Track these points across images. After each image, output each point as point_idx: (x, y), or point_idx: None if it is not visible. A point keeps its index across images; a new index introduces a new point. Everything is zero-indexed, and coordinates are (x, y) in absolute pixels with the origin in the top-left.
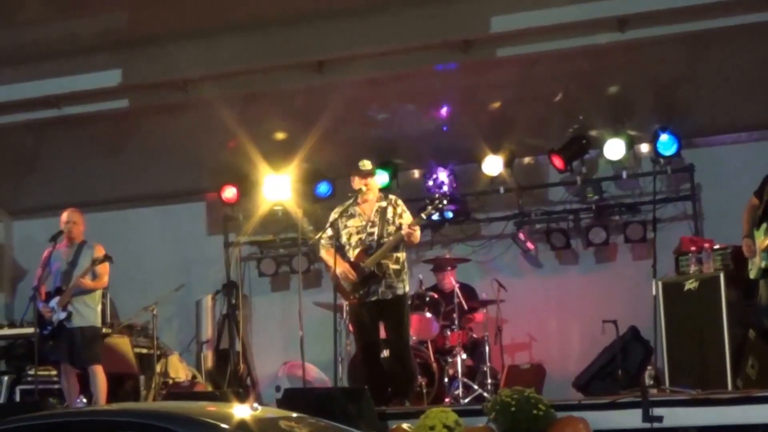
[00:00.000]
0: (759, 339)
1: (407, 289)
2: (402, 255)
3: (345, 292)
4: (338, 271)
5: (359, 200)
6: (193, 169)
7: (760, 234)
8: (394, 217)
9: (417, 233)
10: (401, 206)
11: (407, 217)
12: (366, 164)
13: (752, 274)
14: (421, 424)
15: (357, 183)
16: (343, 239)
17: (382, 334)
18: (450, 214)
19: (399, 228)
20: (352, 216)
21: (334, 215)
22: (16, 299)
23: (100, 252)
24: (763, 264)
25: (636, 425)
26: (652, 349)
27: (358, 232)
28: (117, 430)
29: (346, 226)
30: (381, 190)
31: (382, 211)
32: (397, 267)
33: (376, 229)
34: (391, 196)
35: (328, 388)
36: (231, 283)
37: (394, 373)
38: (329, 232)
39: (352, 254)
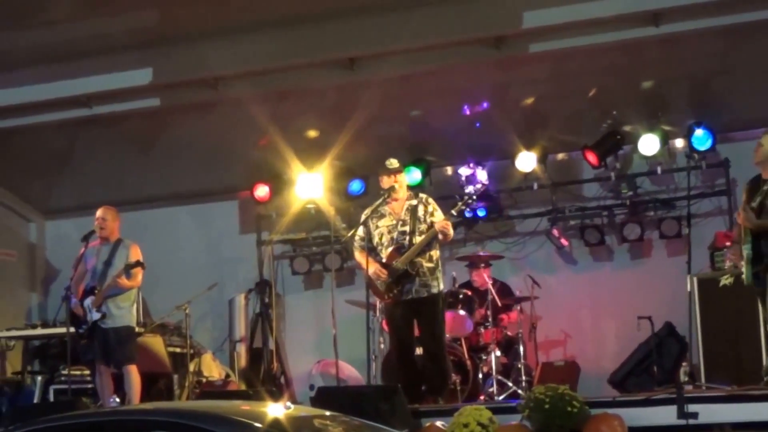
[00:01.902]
0: None
1: (442, 287)
2: (436, 253)
3: (379, 291)
4: (370, 271)
5: (389, 199)
6: (226, 168)
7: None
8: (425, 215)
9: (450, 233)
10: (432, 204)
11: (439, 215)
12: (393, 162)
13: (745, 281)
14: (455, 422)
15: (386, 182)
16: (375, 239)
17: (417, 332)
18: (483, 212)
19: (431, 226)
20: (382, 215)
21: (364, 216)
22: (49, 299)
23: (135, 251)
24: (744, 254)
25: (671, 422)
26: (688, 346)
27: (389, 231)
28: (150, 430)
29: (377, 226)
30: (412, 188)
31: (413, 209)
32: (431, 265)
33: (407, 228)
34: (422, 195)
35: (361, 386)
36: (264, 281)
37: (428, 372)
38: (360, 232)
39: (384, 253)
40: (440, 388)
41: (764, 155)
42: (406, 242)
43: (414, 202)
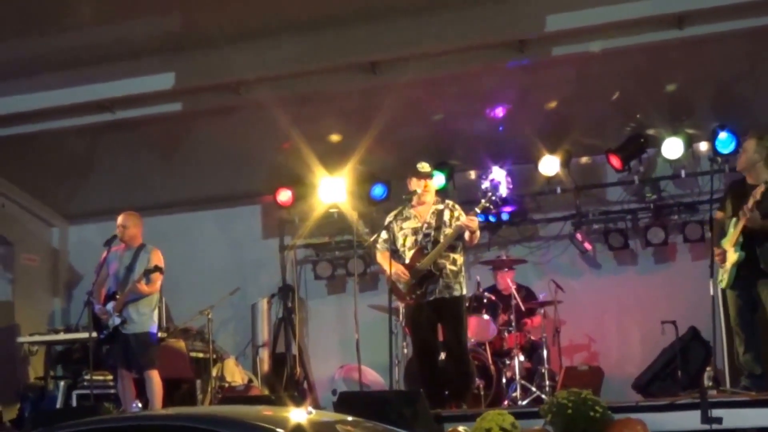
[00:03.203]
0: None
1: (464, 291)
2: (460, 258)
3: (401, 293)
4: (393, 272)
5: (414, 203)
6: (248, 172)
7: (727, 241)
8: (450, 219)
9: (476, 229)
10: (458, 210)
11: (464, 220)
12: (425, 166)
13: (723, 284)
14: (477, 427)
15: (414, 184)
16: (399, 241)
17: (440, 336)
18: (507, 216)
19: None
20: (407, 218)
21: (388, 218)
22: (72, 304)
23: (156, 256)
24: (734, 257)
25: (695, 427)
26: (712, 350)
27: (413, 234)
28: None
29: (401, 228)
30: (437, 192)
31: (439, 214)
32: (454, 268)
33: (432, 231)
34: (449, 201)
35: (383, 391)
36: (287, 286)
37: (452, 376)
38: (384, 235)
39: (408, 256)
40: (464, 392)
41: (749, 161)
42: (430, 245)
43: (440, 206)
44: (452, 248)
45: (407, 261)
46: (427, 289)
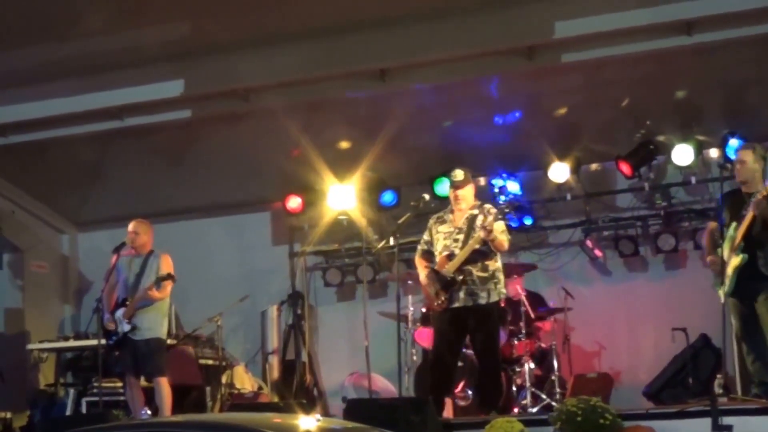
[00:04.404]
0: None
1: (494, 298)
2: (493, 264)
3: (430, 297)
4: (421, 276)
5: (453, 207)
6: (257, 179)
7: (727, 246)
8: (484, 224)
9: (500, 236)
10: (493, 212)
11: (490, 220)
12: (458, 174)
13: (724, 291)
14: None
15: (451, 193)
16: (435, 245)
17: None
18: (516, 222)
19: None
20: (443, 222)
21: (431, 221)
22: (82, 311)
23: (166, 262)
24: (737, 261)
25: None
26: (723, 357)
27: (445, 238)
28: None
29: (438, 232)
30: (441, 198)
31: (472, 219)
32: (484, 275)
33: (462, 236)
34: (486, 205)
35: (392, 399)
36: (296, 293)
37: (483, 386)
38: (425, 237)
39: (438, 260)
40: (494, 401)
41: (749, 171)
42: (458, 250)
43: (475, 212)
44: (483, 255)
45: (436, 266)
46: (452, 296)
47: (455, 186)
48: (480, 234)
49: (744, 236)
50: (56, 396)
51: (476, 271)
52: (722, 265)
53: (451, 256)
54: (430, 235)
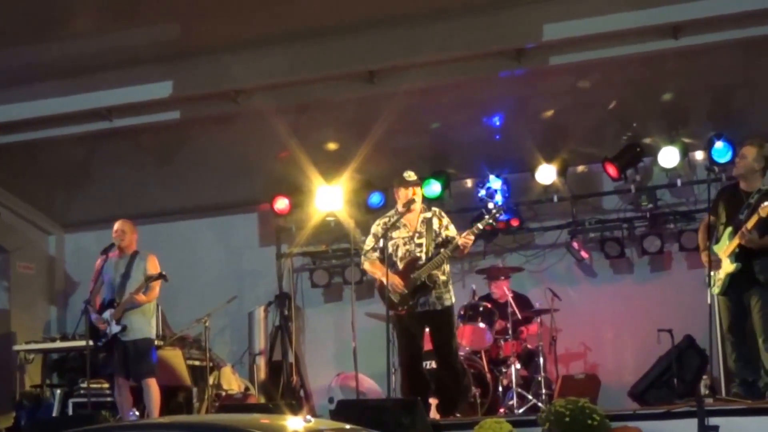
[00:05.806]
0: None
1: (454, 300)
2: (447, 267)
3: (392, 303)
4: (386, 282)
5: (402, 211)
6: (245, 181)
7: (721, 246)
8: (440, 228)
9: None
10: (446, 218)
11: (453, 229)
12: (411, 175)
13: (716, 290)
14: None
15: (403, 194)
16: (389, 251)
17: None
18: (502, 223)
19: (446, 239)
20: (396, 227)
21: (376, 227)
22: (68, 312)
23: (153, 263)
24: (731, 268)
25: None
26: (708, 358)
27: (404, 244)
28: None
29: (391, 238)
30: (431, 200)
31: (428, 222)
32: (444, 278)
33: (423, 240)
34: (435, 208)
35: (380, 400)
36: (283, 294)
37: (445, 385)
38: (373, 243)
39: (400, 265)
40: (456, 401)
41: (747, 168)
42: (423, 256)
43: (428, 214)
44: (446, 259)
45: (400, 271)
46: (418, 301)
47: (412, 186)
48: (460, 244)
49: (739, 245)
50: (42, 397)
51: (440, 275)
52: (714, 263)
53: (416, 261)
54: (380, 241)
